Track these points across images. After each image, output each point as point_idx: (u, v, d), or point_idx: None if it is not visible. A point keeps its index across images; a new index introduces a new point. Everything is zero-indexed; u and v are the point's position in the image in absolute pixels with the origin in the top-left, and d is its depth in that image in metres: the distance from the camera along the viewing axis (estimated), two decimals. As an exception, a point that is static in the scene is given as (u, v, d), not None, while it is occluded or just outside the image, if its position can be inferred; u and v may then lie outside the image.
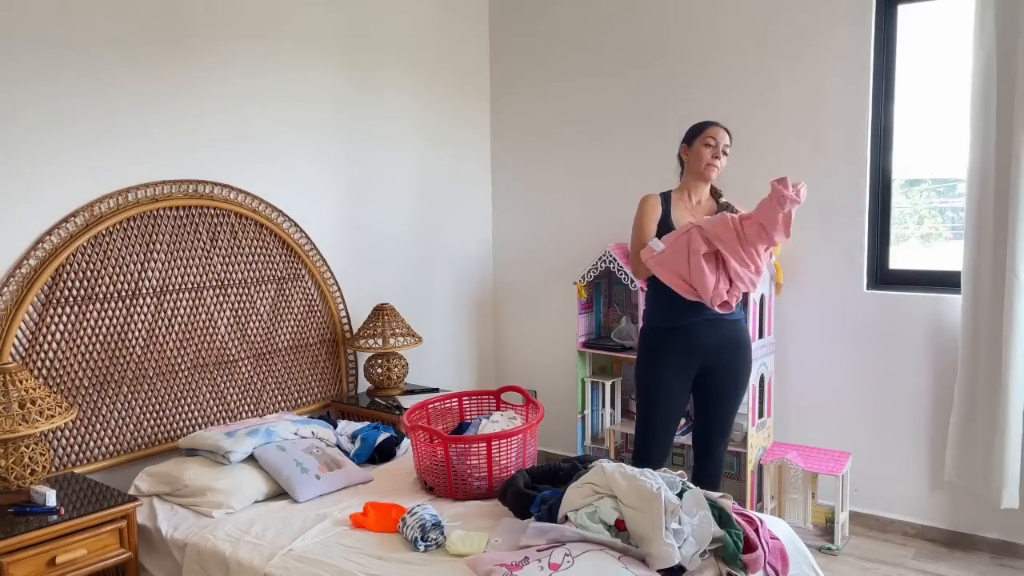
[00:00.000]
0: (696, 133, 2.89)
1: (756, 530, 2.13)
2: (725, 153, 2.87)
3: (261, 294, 3.30)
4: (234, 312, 3.21)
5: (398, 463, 3.02)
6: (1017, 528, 3.16)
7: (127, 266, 2.87)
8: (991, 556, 3.19)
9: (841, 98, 3.36)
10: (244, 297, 3.24)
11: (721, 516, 2.10)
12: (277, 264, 3.36)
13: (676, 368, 2.84)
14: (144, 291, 2.92)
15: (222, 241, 3.16)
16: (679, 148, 2.95)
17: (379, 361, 3.53)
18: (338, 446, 3.00)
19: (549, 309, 4.29)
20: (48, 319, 2.67)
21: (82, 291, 2.75)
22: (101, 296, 2.80)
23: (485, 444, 2.59)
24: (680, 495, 2.11)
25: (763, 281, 3.38)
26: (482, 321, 4.48)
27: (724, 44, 3.63)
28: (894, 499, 3.42)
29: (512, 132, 4.36)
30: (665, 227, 2.86)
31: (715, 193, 2.98)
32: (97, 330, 2.79)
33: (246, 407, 3.25)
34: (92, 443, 2.79)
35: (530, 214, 4.35)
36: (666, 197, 2.92)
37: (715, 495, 2.19)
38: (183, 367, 3.04)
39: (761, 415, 3.49)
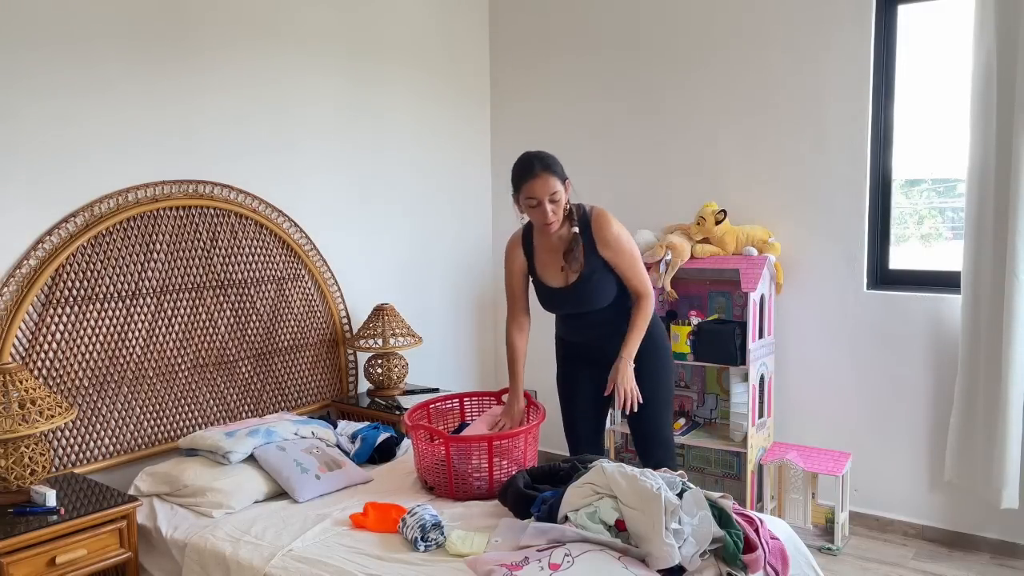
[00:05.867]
0: (515, 190, 2.61)
1: (756, 530, 2.13)
2: (554, 201, 2.56)
3: (261, 294, 3.30)
4: (234, 312, 3.21)
5: (398, 463, 3.02)
6: (1017, 528, 3.16)
7: (127, 266, 2.87)
8: (991, 556, 3.19)
9: (841, 98, 3.36)
10: (244, 297, 3.24)
11: (721, 516, 2.10)
12: (277, 264, 3.36)
13: (569, 371, 2.97)
14: (144, 291, 2.92)
15: (222, 241, 3.16)
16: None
17: (379, 361, 3.53)
18: (338, 446, 3.00)
19: (549, 309, 4.28)
20: (48, 319, 2.67)
21: (82, 291, 2.75)
22: (101, 296, 2.80)
23: (486, 444, 2.59)
24: (680, 495, 2.11)
25: (763, 281, 3.38)
26: (482, 321, 4.48)
27: (724, 44, 3.63)
28: (894, 499, 3.42)
29: (512, 132, 4.36)
30: (532, 279, 2.84)
31: (570, 216, 2.67)
32: (97, 330, 2.79)
33: (246, 407, 3.25)
34: (92, 443, 2.79)
35: (530, 214, 4.34)
36: (528, 239, 2.77)
37: (715, 495, 2.19)
38: (183, 367, 3.04)
39: (761, 415, 3.49)
